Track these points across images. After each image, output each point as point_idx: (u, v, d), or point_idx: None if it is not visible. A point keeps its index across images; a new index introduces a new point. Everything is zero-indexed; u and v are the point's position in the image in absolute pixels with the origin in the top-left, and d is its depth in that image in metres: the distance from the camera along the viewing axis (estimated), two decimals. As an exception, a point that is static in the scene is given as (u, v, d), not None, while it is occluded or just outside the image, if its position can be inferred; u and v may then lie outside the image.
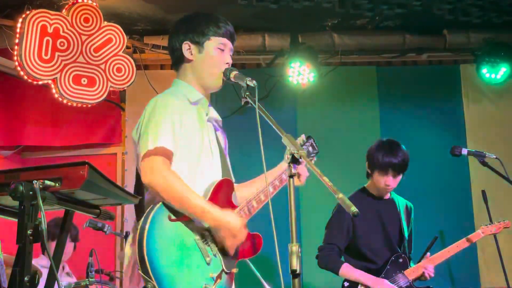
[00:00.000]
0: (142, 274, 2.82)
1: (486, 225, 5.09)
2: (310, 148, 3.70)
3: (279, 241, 2.76)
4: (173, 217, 3.01)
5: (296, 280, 2.51)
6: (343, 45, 7.27)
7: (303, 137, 3.64)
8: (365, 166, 5.02)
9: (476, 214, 6.97)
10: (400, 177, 4.88)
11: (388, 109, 7.50)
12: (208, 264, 3.04)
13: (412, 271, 4.85)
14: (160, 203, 2.99)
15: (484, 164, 4.75)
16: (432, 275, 4.86)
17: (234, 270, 3.24)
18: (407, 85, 7.59)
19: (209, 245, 3.10)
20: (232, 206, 3.28)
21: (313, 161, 3.70)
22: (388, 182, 4.84)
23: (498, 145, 7.06)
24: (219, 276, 3.10)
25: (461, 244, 4.98)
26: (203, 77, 3.35)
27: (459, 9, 6.84)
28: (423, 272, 4.84)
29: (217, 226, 3.07)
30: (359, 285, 4.78)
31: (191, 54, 3.34)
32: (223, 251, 3.15)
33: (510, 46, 7.20)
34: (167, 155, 3.04)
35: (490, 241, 5.24)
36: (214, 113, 3.44)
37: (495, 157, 4.69)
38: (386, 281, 4.75)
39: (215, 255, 3.11)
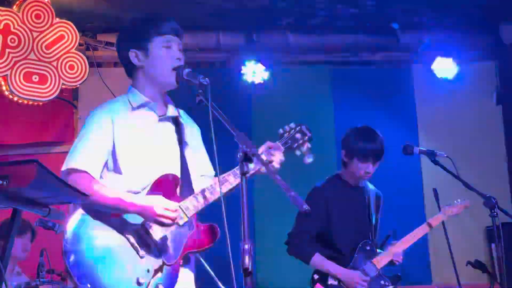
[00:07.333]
0: (67, 273, 2.98)
1: (447, 206, 5.08)
2: (298, 135, 3.51)
3: (232, 240, 2.75)
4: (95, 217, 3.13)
5: (248, 278, 2.51)
6: (297, 44, 7.30)
7: (291, 125, 3.53)
8: (341, 154, 4.89)
9: (428, 212, 7.07)
10: (378, 163, 4.81)
11: (342, 108, 7.56)
12: (142, 258, 3.10)
13: (381, 259, 4.78)
14: (80, 207, 3.10)
15: (436, 162, 4.78)
16: (401, 261, 4.81)
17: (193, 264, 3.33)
18: (360, 85, 7.66)
19: (144, 240, 3.13)
20: (177, 200, 3.24)
21: (305, 147, 3.51)
22: (369, 169, 4.77)
23: (449, 143, 7.17)
24: (159, 269, 3.13)
25: (424, 229, 4.99)
26: (155, 78, 3.36)
27: (412, 10, 6.94)
28: (391, 260, 4.80)
29: (141, 210, 3.10)
30: (329, 278, 4.67)
31: (139, 60, 3.39)
32: (162, 244, 3.16)
33: (461, 47, 7.33)
34: (78, 171, 3.16)
35: (441, 237, 5.29)
36: (172, 112, 3.43)
37: (446, 155, 4.73)
38: (358, 273, 4.65)
39: (152, 249, 3.13)
